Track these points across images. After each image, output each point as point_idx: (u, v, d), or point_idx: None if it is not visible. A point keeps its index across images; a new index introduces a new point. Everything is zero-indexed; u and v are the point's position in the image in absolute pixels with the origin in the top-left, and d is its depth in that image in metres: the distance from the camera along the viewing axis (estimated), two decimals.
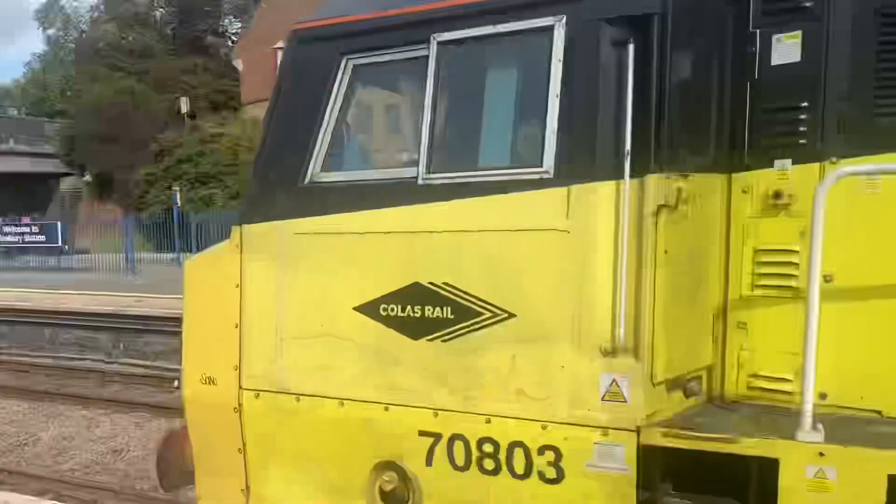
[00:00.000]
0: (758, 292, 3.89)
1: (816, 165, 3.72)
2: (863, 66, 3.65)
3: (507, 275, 3.81)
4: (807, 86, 3.76)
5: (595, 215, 3.59)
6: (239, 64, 41.27)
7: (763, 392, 3.90)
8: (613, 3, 3.58)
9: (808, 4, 3.72)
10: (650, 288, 3.52)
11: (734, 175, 3.95)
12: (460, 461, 3.96)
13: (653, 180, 3.50)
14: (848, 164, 3.55)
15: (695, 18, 3.71)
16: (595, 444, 3.63)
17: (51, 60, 63.99)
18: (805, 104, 3.76)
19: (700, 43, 3.82)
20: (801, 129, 3.78)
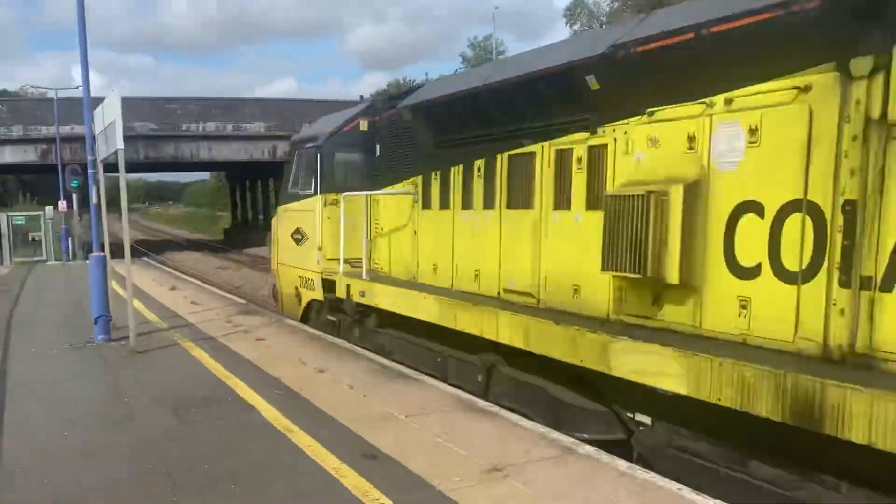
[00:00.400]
0: (373, 234, 11.26)
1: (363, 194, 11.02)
2: (385, 161, 10.81)
3: (307, 224, 11.99)
4: (373, 165, 11.10)
5: (315, 206, 11.58)
6: None
7: (377, 269, 11.27)
8: (317, 142, 11.53)
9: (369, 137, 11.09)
10: (324, 229, 11.41)
11: (369, 194, 11.08)
12: (302, 285, 12.32)
13: (321, 197, 11.41)
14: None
15: (341, 144, 11.35)
16: (317, 278, 11.63)
17: None
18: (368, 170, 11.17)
19: (350, 149, 11.39)
20: (376, 178, 11.15)
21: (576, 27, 64.48)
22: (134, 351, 10.25)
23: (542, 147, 7.20)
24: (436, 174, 9.22)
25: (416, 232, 9.79)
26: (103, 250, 11.34)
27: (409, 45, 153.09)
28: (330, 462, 5.79)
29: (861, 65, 4.37)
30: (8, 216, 30.20)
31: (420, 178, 9.62)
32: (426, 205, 9.52)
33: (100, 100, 10.89)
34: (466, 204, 8.59)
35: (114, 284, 11.41)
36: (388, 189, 10.41)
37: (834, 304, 4.57)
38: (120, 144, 9.17)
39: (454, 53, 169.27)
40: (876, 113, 4.33)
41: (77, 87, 38.22)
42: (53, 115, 34.13)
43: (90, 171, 11.39)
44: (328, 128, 11.88)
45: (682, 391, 5.08)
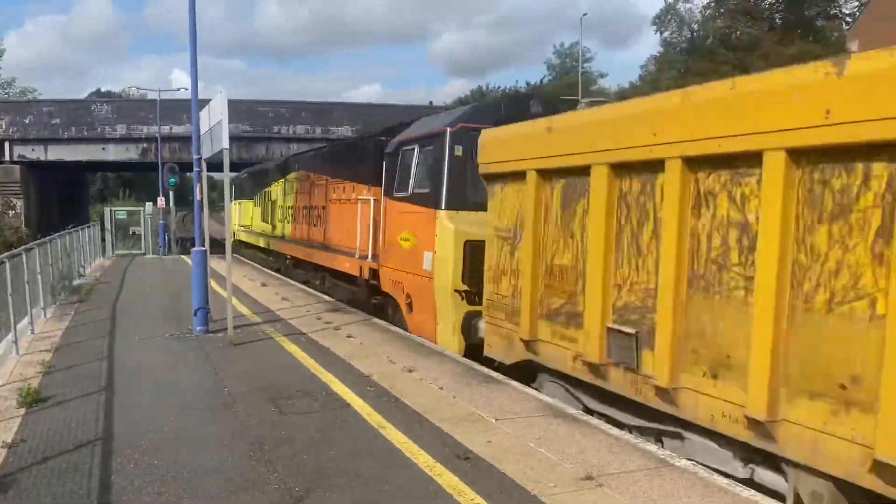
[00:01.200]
0: (249, 214, 26.52)
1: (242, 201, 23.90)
2: (252, 189, 25.10)
3: (234, 211, 22.09)
4: (252, 190, 22.15)
5: (234, 204, 19.97)
6: (854, 46, 35.02)
7: (249, 228, 26.06)
8: (237, 179, 21.66)
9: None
10: (234, 213, 19.35)
11: (242, 201, 26.66)
12: (233, 234, 18.99)
13: (235, 200, 22.64)
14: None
15: (243, 181, 28.54)
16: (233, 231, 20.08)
17: (665, 62, 62.73)
18: None
19: (246, 183, 27.89)
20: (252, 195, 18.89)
21: (665, 34, 63.64)
22: (231, 343, 10.59)
23: (268, 189, 23.48)
24: (256, 195, 25.11)
25: (253, 214, 25.20)
26: (204, 245, 11.77)
27: (494, 51, 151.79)
28: (423, 460, 5.88)
29: (283, 178, 21.66)
30: (111, 210, 31.79)
31: (256, 196, 25.14)
32: (255, 205, 25.31)
33: (200, 102, 11.34)
34: (258, 204, 24.70)
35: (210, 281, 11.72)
36: (252, 200, 25.90)
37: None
38: (225, 144, 9.55)
39: (539, 61, 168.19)
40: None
41: (178, 90, 40.14)
42: (155, 115, 35.71)
43: (195, 169, 11.83)
44: (243, 174, 28.09)
45: (282, 251, 21.88)
